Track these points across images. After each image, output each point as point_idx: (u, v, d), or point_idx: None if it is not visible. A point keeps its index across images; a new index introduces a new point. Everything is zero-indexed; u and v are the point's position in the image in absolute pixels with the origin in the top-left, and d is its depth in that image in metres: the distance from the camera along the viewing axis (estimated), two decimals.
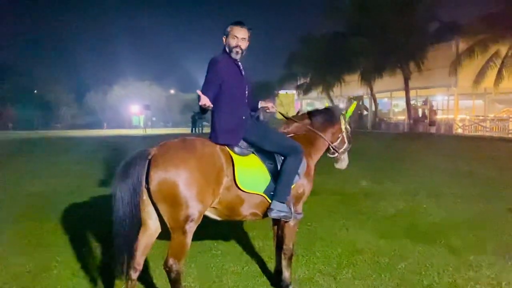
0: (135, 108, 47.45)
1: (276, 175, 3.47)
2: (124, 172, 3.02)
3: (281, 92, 53.43)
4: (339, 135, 4.14)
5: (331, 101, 43.72)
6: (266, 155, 3.53)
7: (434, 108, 31.48)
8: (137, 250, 3.16)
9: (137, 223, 3.10)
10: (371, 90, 35.14)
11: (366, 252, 4.69)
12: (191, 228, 3.07)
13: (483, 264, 4.31)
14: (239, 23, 3.54)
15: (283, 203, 3.46)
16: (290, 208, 3.52)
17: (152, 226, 3.19)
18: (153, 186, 2.97)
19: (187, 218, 3.02)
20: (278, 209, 3.43)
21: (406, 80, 30.00)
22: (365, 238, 5.17)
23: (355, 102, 4.55)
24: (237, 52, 3.51)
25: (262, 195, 3.42)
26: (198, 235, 4.75)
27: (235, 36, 3.49)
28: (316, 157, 4.02)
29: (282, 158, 3.51)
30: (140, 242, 3.17)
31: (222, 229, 5.11)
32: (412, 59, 28.95)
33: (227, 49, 3.53)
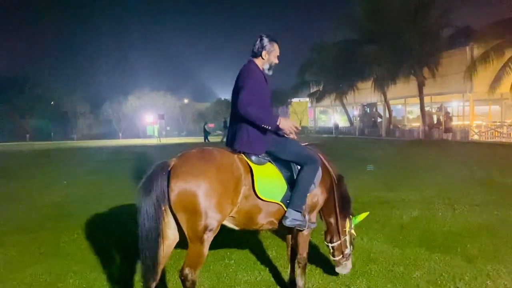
0: (149, 118, 47.94)
1: (292, 183, 3.48)
2: (147, 185, 3.05)
3: (294, 100, 53.64)
4: (344, 237, 4.01)
5: (345, 108, 43.69)
6: (282, 164, 3.55)
7: (450, 114, 31.09)
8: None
9: (161, 236, 3.12)
10: (385, 97, 34.95)
11: (381, 261, 4.65)
12: (209, 238, 3.10)
13: (500, 273, 4.23)
14: (277, 40, 3.62)
15: (299, 212, 3.47)
16: (304, 217, 3.54)
17: (171, 236, 3.22)
18: (173, 196, 3.01)
19: (205, 228, 3.05)
20: (293, 218, 3.44)
21: (420, 86, 29.78)
22: (379, 247, 5.13)
23: (367, 213, 4.47)
24: (273, 69, 3.65)
25: (279, 204, 3.44)
26: (212, 244, 4.78)
27: (278, 55, 3.61)
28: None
29: (299, 167, 3.53)
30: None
31: (236, 238, 5.11)
32: (426, 65, 28.79)
33: (266, 65, 3.59)
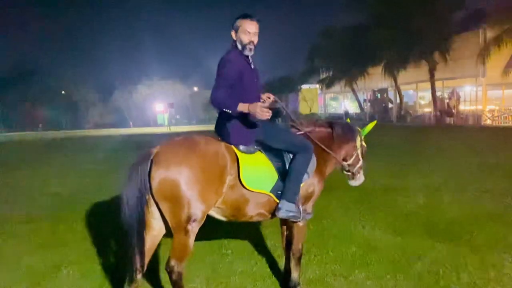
0: (159, 107, 48.01)
1: (284, 173, 3.33)
2: (130, 174, 2.96)
3: (304, 86, 53.17)
4: (354, 152, 3.96)
5: (355, 94, 43.17)
6: (273, 153, 3.39)
7: (452, 98, 30.46)
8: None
9: (144, 226, 3.02)
10: (396, 82, 34.40)
11: (382, 250, 4.51)
12: (193, 228, 2.98)
13: (506, 263, 4.07)
14: (249, 16, 3.32)
15: (292, 202, 3.32)
16: (299, 208, 3.39)
17: (156, 226, 3.11)
18: (154, 184, 2.90)
19: (189, 218, 2.93)
20: (286, 209, 3.30)
21: (432, 71, 29.24)
22: (381, 236, 4.99)
23: (374, 121, 4.34)
24: (250, 49, 3.32)
25: (268, 194, 3.29)
26: (209, 234, 4.73)
27: (248, 31, 3.28)
28: (330, 164, 3.84)
29: (291, 156, 3.38)
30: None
31: (235, 227, 4.99)
32: (437, 49, 28.16)
33: (239, 46, 3.31)
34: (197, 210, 2.95)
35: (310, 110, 51.77)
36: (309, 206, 3.62)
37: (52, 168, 11.94)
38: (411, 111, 37.16)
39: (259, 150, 3.36)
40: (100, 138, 28.84)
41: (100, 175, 10.09)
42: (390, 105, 39.92)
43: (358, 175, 4.07)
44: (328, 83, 43.28)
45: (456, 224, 5.32)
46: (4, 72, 55.37)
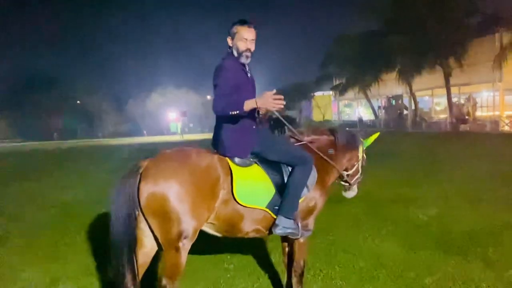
0: (172, 115, 48.31)
1: (281, 187, 3.16)
2: (118, 189, 2.85)
3: (317, 93, 52.90)
4: (356, 162, 3.82)
5: (369, 101, 42.76)
6: (271, 165, 3.22)
7: (478, 104, 29.94)
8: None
9: (134, 243, 2.90)
10: (410, 88, 33.98)
11: (391, 265, 4.32)
12: (185, 245, 2.84)
13: None
14: (246, 22, 3.19)
15: (290, 219, 3.15)
16: (297, 224, 3.21)
17: (147, 243, 2.97)
18: (142, 200, 2.78)
19: (179, 235, 2.79)
20: (284, 226, 3.13)
21: (447, 76, 28.79)
22: (391, 250, 4.79)
23: (377, 133, 4.18)
24: (247, 57, 3.19)
25: (265, 210, 3.13)
26: (212, 247, 4.60)
27: (244, 38, 3.16)
28: (332, 174, 3.68)
29: (290, 168, 3.21)
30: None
31: (237, 241, 4.83)
32: (452, 54, 27.72)
33: (235, 53, 3.19)
34: (188, 226, 2.80)
35: (324, 117, 51.45)
36: (310, 221, 3.44)
37: (63, 178, 11.97)
38: (426, 118, 36.62)
39: (256, 163, 3.21)
40: (114, 147, 29.02)
41: (110, 184, 9.95)
42: (405, 112, 39.42)
43: (354, 186, 3.93)
44: (341, 90, 42.99)
45: (470, 236, 5.09)
46: (21, 82, 56.56)
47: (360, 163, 3.86)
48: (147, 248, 2.99)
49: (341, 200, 6.23)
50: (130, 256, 2.85)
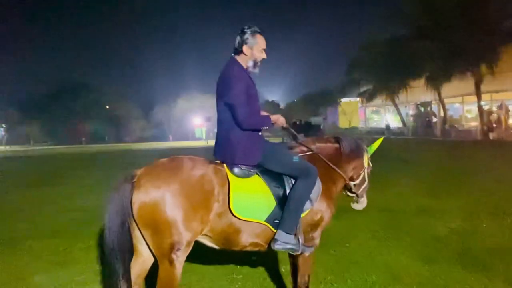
0: (197, 120, 48.71)
1: (283, 200, 3.03)
2: (111, 197, 2.81)
3: (344, 100, 52.28)
4: (361, 171, 3.66)
5: (397, 108, 41.94)
6: (273, 176, 3.10)
7: (511, 112, 28.85)
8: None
9: (129, 252, 2.85)
10: (439, 95, 33.11)
11: (405, 280, 4.13)
12: (179, 258, 2.75)
13: None
14: (261, 32, 3.16)
15: (290, 234, 3.01)
16: (298, 240, 3.06)
17: (143, 252, 2.91)
18: (134, 210, 2.72)
19: (172, 247, 2.71)
20: (283, 241, 2.99)
21: (478, 83, 27.90)
22: (407, 263, 4.59)
23: (381, 138, 4.02)
24: (260, 67, 3.18)
25: (263, 224, 3.00)
26: (222, 256, 4.51)
27: (263, 48, 3.16)
28: (339, 184, 3.55)
29: (293, 181, 3.08)
30: (132, 270, 2.91)
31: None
32: (483, 61, 26.85)
33: (249, 62, 3.13)
34: (180, 238, 2.72)
35: (350, 124, 50.77)
36: (316, 234, 3.29)
37: (87, 182, 12.15)
38: (456, 125, 35.60)
39: (257, 173, 3.09)
40: (140, 151, 29.44)
41: None
42: (434, 119, 38.46)
43: (362, 198, 3.76)
44: (368, 96, 42.34)
45: (492, 252, 4.81)
46: (52, 88, 58.46)
47: (365, 171, 3.70)
48: (143, 257, 2.93)
49: (358, 210, 6.10)
50: (124, 266, 2.80)
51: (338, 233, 5.71)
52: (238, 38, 3.12)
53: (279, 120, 3.24)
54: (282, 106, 61.82)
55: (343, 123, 51.79)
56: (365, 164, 3.67)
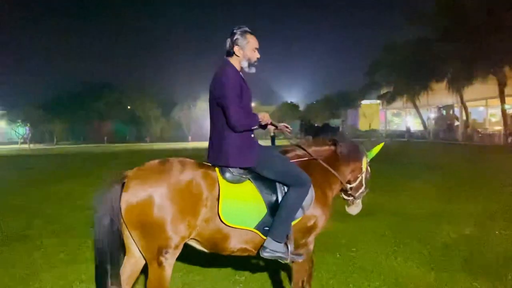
0: None
1: (274, 207, 2.99)
2: (100, 197, 2.83)
3: (364, 102, 51.79)
4: (359, 175, 3.59)
5: (418, 110, 41.30)
6: (265, 183, 3.06)
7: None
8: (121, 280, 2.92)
9: (119, 252, 2.88)
10: (461, 98, 32.49)
11: (409, 286, 4.06)
12: (168, 260, 2.76)
13: None
14: (251, 31, 3.14)
15: (280, 242, 2.97)
16: (287, 248, 3.01)
17: (136, 253, 2.91)
18: (123, 211, 2.74)
19: (160, 249, 2.73)
20: (272, 249, 2.96)
21: (501, 86, 27.25)
22: (413, 269, 4.51)
23: (382, 144, 3.94)
24: (255, 67, 3.16)
25: (253, 231, 2.97)
26: (224, 257, 4.49)
27: (256, 48, 3.13)
28: (335, 187, 3.51)
29: (286, 188, 3.04)
30: (124, 270, 2.93)
31: None
32: (506, 63, 26.22)
33: (244, 63, 3.11)
34: (168, 241, 2.73)
35: (370, 126, 50.25)
36: (310, 240, 3.25)
37: (99, 181, 12.32)
38: (479, 129, 34.83)
39: (249, 179, 3.05)
40: (159, 151, 29.72)
41: None
42: (456, 123, 37.74)
43: (358, 201, 3.69)
44: (389, 99, 41.86)
45: (502, 260, 4.69)
46: (76, 88, 59.74)
47: (363, 175, 3.63)
48: (135, 257, 2.93)
49: (369, 213, 6.04)
50: (114, 266, 2.82)
51: (345, 237, 5.66)
52: (228, 40, 3.11)
53: (265, 117, 3.16)
54: (301, 107, 61.46)
55: (363, 125, 51.28)
56: (363, 168, 3.61)
